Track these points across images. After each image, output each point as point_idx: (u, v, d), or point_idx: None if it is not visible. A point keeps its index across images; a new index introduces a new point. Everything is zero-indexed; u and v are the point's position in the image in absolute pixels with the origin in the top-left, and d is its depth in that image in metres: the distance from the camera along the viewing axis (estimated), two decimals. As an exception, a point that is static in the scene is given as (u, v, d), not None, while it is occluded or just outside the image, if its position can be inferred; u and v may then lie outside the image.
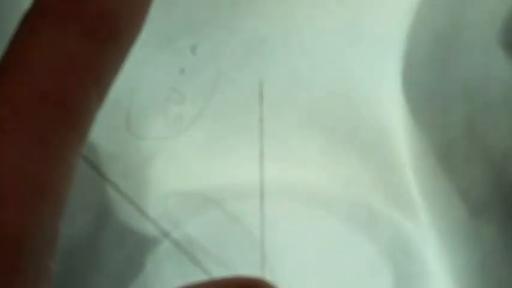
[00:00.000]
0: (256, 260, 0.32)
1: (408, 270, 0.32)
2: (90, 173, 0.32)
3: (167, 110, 0.33)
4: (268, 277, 0.31)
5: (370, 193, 0.33)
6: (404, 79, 0.32)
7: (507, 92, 0.32)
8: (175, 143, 0.34)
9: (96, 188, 0.33)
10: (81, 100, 0.17)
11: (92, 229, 0.33)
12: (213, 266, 0.32)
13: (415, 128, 0.32)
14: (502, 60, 0.32)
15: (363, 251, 0.33)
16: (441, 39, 0.32)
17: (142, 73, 0.32)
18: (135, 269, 0.33)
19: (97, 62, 0.17)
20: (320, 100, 0.33)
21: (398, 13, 0.32)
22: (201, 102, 0.33)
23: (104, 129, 0.32)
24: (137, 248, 0.33)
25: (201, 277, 0.32)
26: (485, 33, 0.32)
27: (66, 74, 0.17)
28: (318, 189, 0.33)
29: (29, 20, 0.17)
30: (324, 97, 0.33)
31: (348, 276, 0.33)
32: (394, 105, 0.32)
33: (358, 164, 0.33)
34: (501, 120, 0.32)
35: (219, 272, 0.32)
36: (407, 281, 0.32)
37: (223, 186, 0.33)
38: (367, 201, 0.33)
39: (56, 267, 0.17)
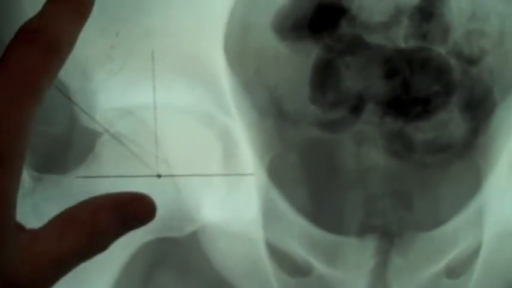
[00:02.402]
0: (152, 142, 0.52)
1: (230, 144, 0.54)
2: (63, 99, 0.53)
3: (104, 66, 0.53)
4: (160, 153, 0.52)
5: (209, 105, 0.54)
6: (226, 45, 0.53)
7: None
8: (109, 83, 0.53)
9: (68, 107, 0.54)
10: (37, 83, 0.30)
11: (67, 128, 0.54)
12: (133, 146, 0.53)
13: (233, 77, 0.53)
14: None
15: (207, 136, 0.53)
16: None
17: (94, 49, 0.53)
18: (90, 148, 0.54)
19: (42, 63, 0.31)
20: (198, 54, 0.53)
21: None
22: (120, 64, 0.53)
23: (72, 77, 0.53)
24: (91, 137, 0.54)
25: (124, 152, 0.53)
26: None
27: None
28: (189, 106, 0.54)
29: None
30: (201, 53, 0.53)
31: (204, 150, 0.54)
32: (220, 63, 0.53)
33: (206, 90, 0.54)
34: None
35: (135, 148, 0.52)
36: (229, 150, 0.54)
37: (136, 105, 0.53)
38: (208, 110, 0.54)
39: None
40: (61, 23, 0.33)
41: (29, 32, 0.32)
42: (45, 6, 0.34)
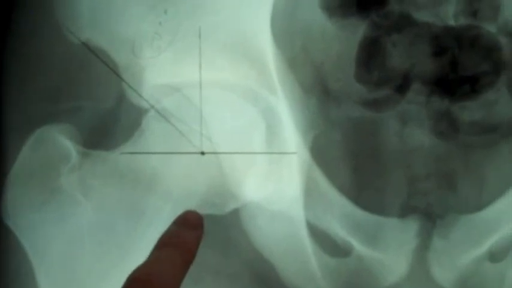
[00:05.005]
0: (197, 119, 0.53)
1: (274, 122, 0.54)
2: (113, 76, 0.54)
3: (153, 43, 0.54)
4: (204, 130, 0.53)
5: (254, 82, 0.54)
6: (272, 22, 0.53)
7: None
8: (156, 60, 0.54)
9: (116, 83, 0.54)
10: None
11: (114, 104, 0.55)
12: (178, 123, 0.53)
13: (279, 54, 0.54)
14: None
15: (251, 114, 0.54)
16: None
17: (143, 26, 0.53)
18: (136, 124, 0.54)
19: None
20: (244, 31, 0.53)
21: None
22: (168, 41, 0.54)
23: (120, 54, 0.54)
24: (137, 114, 0.54)
25: (169, 129, 0.53)
26: None
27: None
28: (233, 83, 0.53)
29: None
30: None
31: (247, 127, 0.54)
32: (266, 40, 0.53)
33: (251, 67, 0.54)
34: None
35: (180, 125, 0.53)
36: (273, 128, 0.54)
37: (183, 82, 0.54)
38: (252, 87, 0.54)
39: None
40: (168, 270, 0.36)
41: (139, 282, 0.35)
42: (153, 251, 0.37)
